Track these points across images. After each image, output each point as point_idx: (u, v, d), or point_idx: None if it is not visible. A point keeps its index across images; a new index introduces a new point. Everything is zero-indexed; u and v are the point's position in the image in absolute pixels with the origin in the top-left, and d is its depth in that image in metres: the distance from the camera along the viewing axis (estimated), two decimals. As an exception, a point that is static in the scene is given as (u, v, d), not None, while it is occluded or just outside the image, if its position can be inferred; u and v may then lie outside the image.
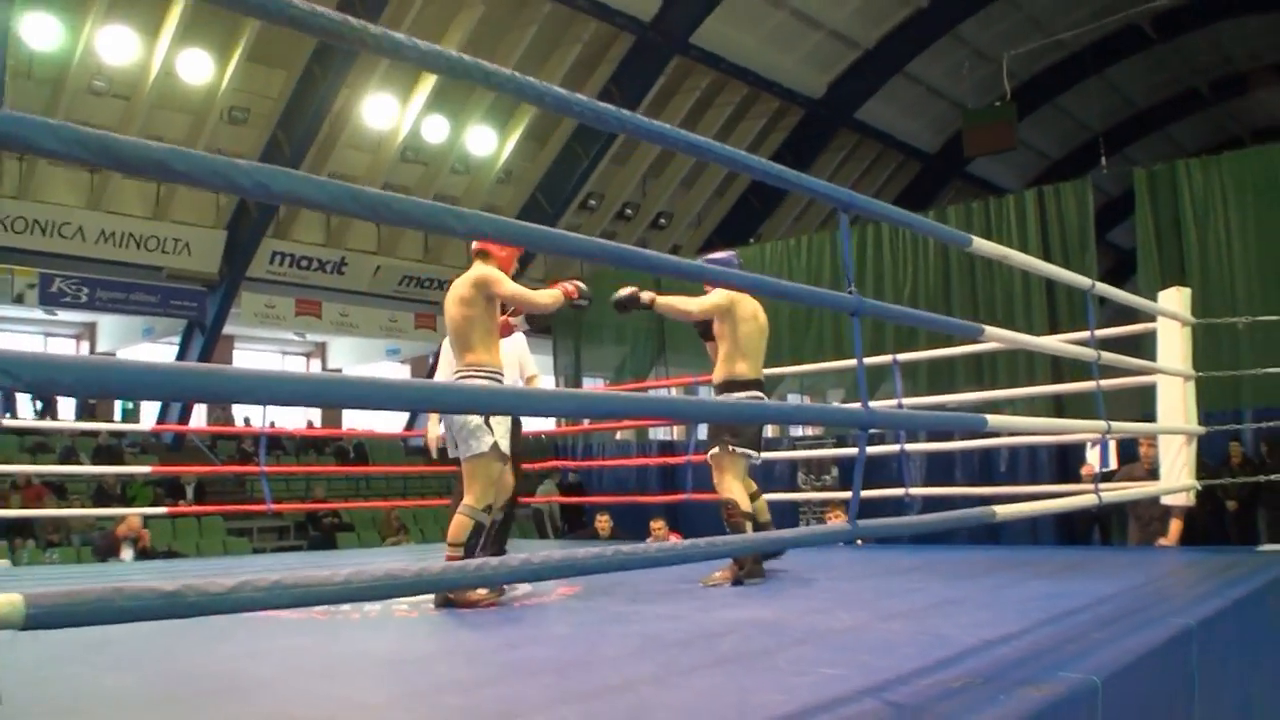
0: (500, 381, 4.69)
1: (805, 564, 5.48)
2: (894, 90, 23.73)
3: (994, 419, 3.33)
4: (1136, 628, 3.02)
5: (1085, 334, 6.38)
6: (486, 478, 4.61)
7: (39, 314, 17.98)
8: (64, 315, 18.42)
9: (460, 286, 4.67)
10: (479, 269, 4.67)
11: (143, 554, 9.04)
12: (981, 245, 3.53)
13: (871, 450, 10.44)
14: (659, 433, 18.97)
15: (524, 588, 4.83)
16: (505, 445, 4.69)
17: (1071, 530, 11.30)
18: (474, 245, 4.80)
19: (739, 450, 5.00)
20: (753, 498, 5.13)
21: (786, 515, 12.07)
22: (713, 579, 4.75)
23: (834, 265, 14.43)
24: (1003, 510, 3.11)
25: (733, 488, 4.96)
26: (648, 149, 22.05)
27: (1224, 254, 12.34)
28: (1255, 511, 11.70)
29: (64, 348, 19.79)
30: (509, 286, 4.67)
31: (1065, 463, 12.91)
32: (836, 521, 8.28)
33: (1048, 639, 2.91)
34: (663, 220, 23.81)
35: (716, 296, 5.12)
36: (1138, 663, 2.64)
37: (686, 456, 12.00)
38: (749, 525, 4.88)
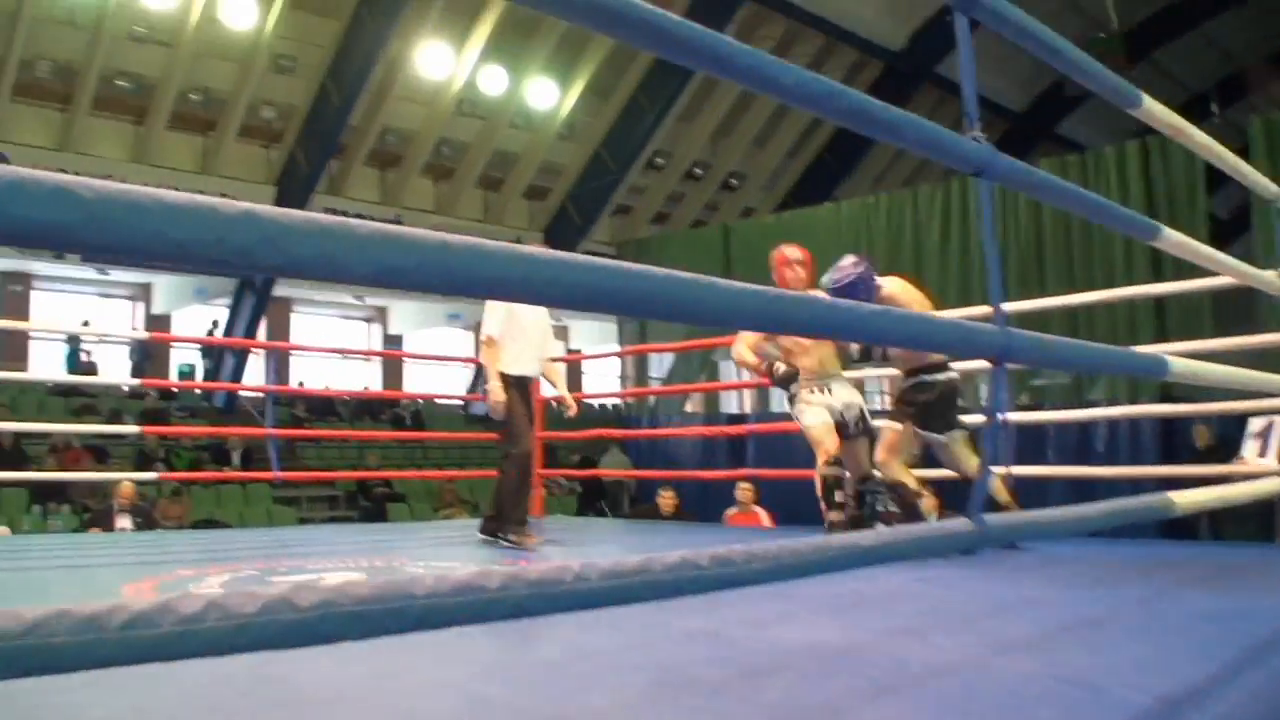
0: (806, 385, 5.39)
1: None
2: (979, 43, 22.16)
3: (1179, 364, 2.35)
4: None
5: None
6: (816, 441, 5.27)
7: (92, 273, 17.47)
8: (118, 275, 17.90)
9: None
10: None
11: (145, 524, 8.26)
12: (1152, 107, 2.54)
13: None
14: (730, 404, 18.01)
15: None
16: (815, 419, 5.31)
17: (1174, 520, 10.17)
18: None
19: (914, 429, 4.99)
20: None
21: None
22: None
23: (915, 225, 13.35)
24: (1183, 499, 2.13)
25: (893, 469, 4.96)
26: (717, 104, 20.97)
27: (1356, 206, 11.08)
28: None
29: (120, 310, 19.29)
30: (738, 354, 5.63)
31: (1171, 442, 11.73)
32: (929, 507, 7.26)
33: (1258, 697, 1.93)
34: (734, 181, 22.74)
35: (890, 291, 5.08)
36: None
37: (749, 428, 11.08)
38: (925, 502, 4.94)
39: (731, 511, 9.23)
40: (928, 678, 2.15)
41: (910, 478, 4.96)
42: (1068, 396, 11.44)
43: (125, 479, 8.20)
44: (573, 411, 6.20)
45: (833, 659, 2.39)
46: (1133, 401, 9.35)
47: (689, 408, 16.25)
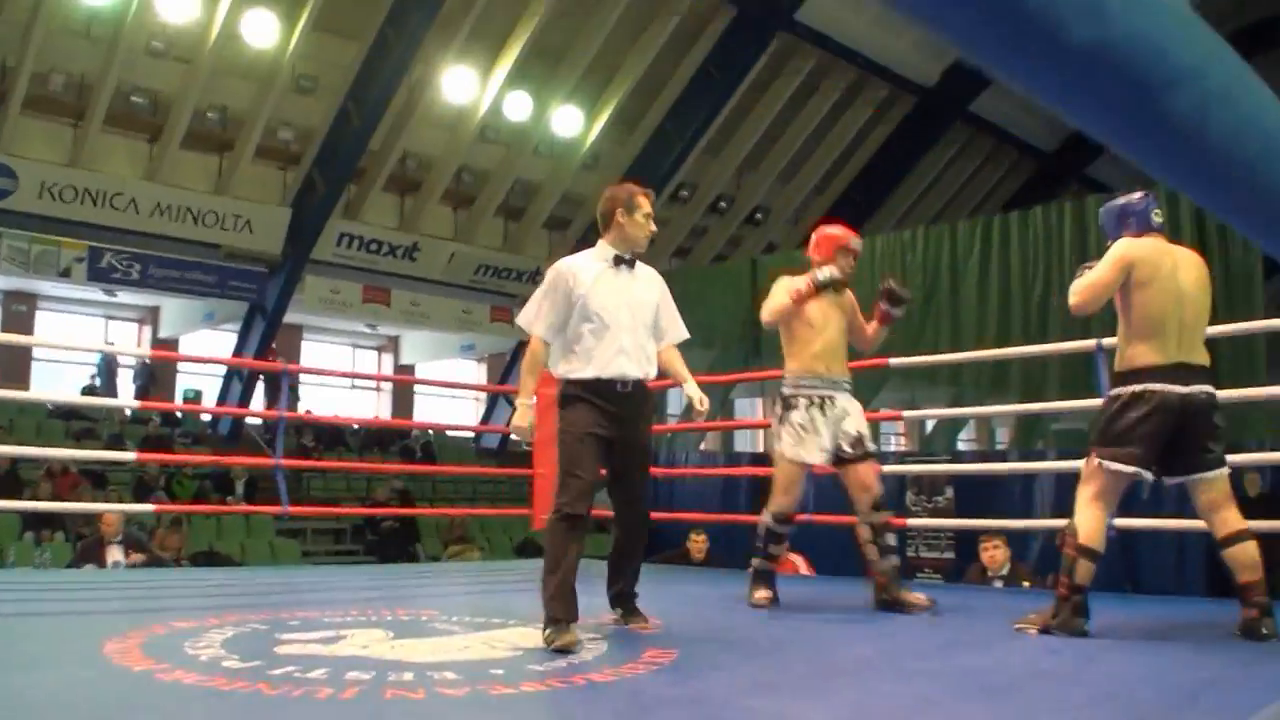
0: (803, 393, 4.73)
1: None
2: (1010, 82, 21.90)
3: None
4: None
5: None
6: (777, 484, 4.80)
7: (99, 295, 16.95)
8: (125, 297, 17.38)
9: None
10: None
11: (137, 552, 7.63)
12: None
13: (984, 467, 8.84)
14: (744, 443, 17.41)
15: (592, 646, 3.36)
16: (797, 453, 4.68)
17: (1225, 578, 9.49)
18: None
19: (1112, 465, 3.81)
20: (1232, 542, 3.83)
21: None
22: (1027, 620, 3.88)
23: (953, 257, 12.85)
24: None
25: (1082, 511, 3.86)
26: (744, 138, 20.51)
27: None
28: None
29: (126, 333, 18.79)
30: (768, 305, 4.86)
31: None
32: (999, 555, 6.71)
33: None
34: (759, 215, 22.22)
35: (1113, 254, 3.92)
36: None
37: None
38: (1083, 565, 3.76)
39: (761, 560, 8.64)
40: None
41: (1091, 521, 3.82)
42: (1083, 442, 10.76)
43: (118, 510, 7.61)
44: (703, 413, 4.30)
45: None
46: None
47: (704, 446, 15.64)
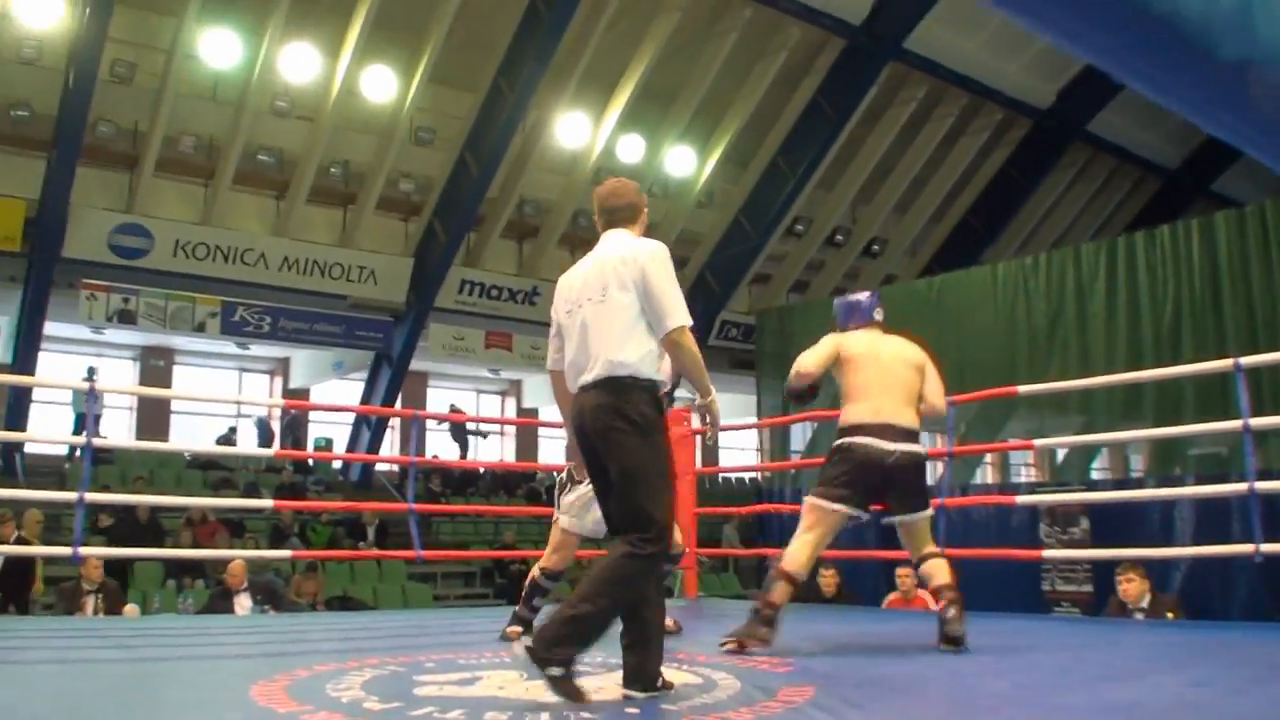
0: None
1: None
2: (1129, 99, 21.37)
3: None
4: None
5: None
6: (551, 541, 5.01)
7: (232, 349, 17.54)
8: (257, 350, 17.95)
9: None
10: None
11: (268, 602, 7.77)
12: None
13: (1169, 492, 8.54)
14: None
15: (725, 684, 3.32)
16: (573, 524, 4.80)
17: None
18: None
19: (822, 502, 4.41)
20: (923, 561, 4.50)
21: (1027, 577, 10.20)
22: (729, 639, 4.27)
23: (1078, 282, 12.49)
24: None
25: (797, 539, 4.43)
26: (858, 170, 20.37)
27: None
28: None
29: (259, 384, 19.37)
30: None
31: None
32: (1132, 588, 6.48)
33: None
34: (875, 247, 22.01)
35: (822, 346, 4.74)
36: None
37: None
38: (780, 586, 4.31)
39: (892, 596, 8.49)
40: None
41: (801, 549, 4.38)
42: (1222, 466, 10.33)
43: (248, 557, 7.79)
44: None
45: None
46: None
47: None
